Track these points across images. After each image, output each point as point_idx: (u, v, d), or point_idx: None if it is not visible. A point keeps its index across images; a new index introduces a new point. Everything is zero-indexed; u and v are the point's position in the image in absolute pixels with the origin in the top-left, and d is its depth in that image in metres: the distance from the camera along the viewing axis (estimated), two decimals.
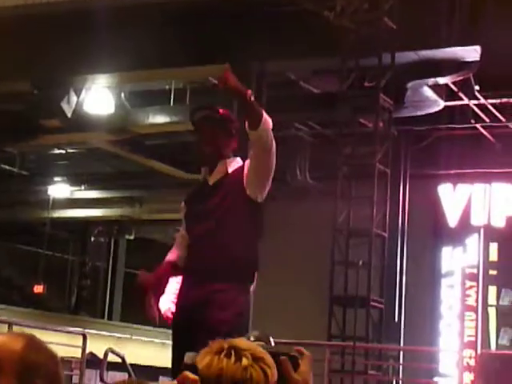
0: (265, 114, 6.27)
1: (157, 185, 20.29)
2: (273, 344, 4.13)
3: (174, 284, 7.85)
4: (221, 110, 6.78)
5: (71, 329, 17.43)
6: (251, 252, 6.73)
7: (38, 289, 23.61)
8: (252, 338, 3.64)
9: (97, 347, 14.82)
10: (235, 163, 6.73)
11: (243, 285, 6.69)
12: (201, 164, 6.81)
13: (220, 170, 6.68)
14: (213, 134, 6.62)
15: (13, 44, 15.11)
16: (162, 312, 7.77)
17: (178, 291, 7.30)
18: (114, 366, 12.95)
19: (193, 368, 3.11)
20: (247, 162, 6.52)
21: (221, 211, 6.63)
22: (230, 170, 6.68)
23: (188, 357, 3.81)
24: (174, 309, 7.66)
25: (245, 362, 2.99)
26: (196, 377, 2.85)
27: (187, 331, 6.54)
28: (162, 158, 18.74)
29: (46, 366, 3.08)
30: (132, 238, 25.35)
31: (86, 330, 15.71)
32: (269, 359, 3.11)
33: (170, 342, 7.34)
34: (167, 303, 7.84)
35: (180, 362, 3.78)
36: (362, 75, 13.61)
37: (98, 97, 16.36)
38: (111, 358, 12.76)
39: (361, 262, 13.68)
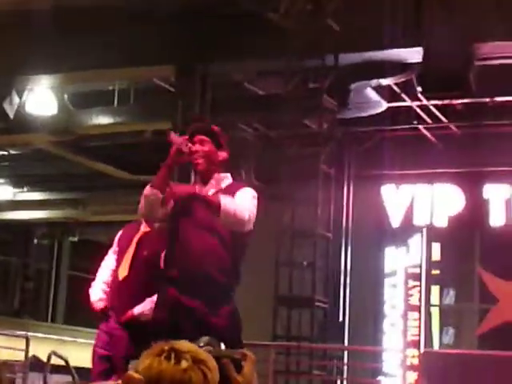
0: (223, 201, 6.54)
1: (101, 186, 20.23)
2: (223, 347, 4.16)
3: (106, 271, 8.10)
4: (214, 126, 7.10)
5: (14, 332, 17.35)
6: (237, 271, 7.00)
7: None
8: (201, 344, 3.65)
9: (40, 350, 14.53)
10: (227, 179, 7.01)
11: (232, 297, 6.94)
12: (197, 173, 7.03)
13: (213, 184, 6.90)
14: (215, 150, 6.88)
15: None
16: (92, 301, 8.02)
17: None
18: (57, 369, 12.90)
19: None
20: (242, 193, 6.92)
21: (214, 225, 6.75)
22: (223, 186, 6.92)
23: (131, 366, 3.86)
24: (104, 299, 7.94)
25: (184, 364, 3.00)
26: (140, 376, 2.84)
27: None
28: (105, 160, 18.62)
29: None
30: (76, 239, 25.27)
31: (29, 333, 15.66)
32: (210, 362, 3.12)
33: None
34: (99, 293, 8.05)
35: None
36: (307, 77, 13.65)
37: (40, 98, 16.26)
38: (55, 360, 12.72)
39: (305, 263, 13.71)
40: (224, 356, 3.42)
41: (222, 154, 6.92)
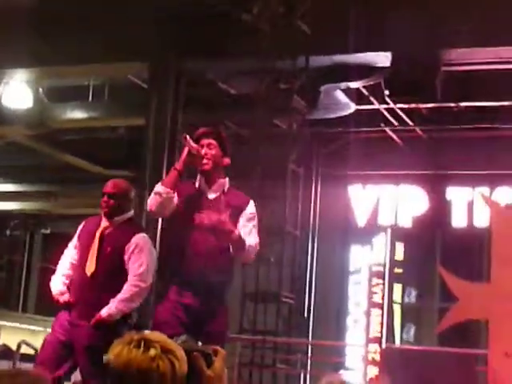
0: (248, 243, 7.03)
1: (73, 180, 20.08)
2: (200, 343, 4.30)
3: (66, 264, 8.05)
4: (222, 132, 7.36)
5: None
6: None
7: None
8: (179, 342, 3.79)
9: (11, 339, 14.69)
10: (226, 184, 7.28)
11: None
12: (202, 174, 7.15)
13: (218, 187, 7.20)
14: (221, 154, 7.15)
15: None
16: (53, 293, 7.95)
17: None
18: (27, 358, 12.53)
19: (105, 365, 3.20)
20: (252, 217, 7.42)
21: (220, 227, 6.92)
22: (225, 189, 7.22)
23: (105, 357, 3.94)
24: (65, 291, 7.89)
25: (152, 352, 3.08)
26: None
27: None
28: (79, 153, 18.61)
29: None
30: (48, 232, 25.19)
31: (0, 323, 15.62)
32: (179, 352, 3.21)
33: None
34: (59, 285, 8.00)
35: None
36: (278, 77, 13.67)
37: (16, 91, 16.18)
38: (25, 349, 12.70)
39: (272, 259, 13.77)
40: (195, 350, 3.44)
41: (226, 160, 7.19)
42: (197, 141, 7.04)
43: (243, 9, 13.34)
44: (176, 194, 7.04)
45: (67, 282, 8.02)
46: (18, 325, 17.51)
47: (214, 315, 7.03)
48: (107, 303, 7.74)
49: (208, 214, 6.90)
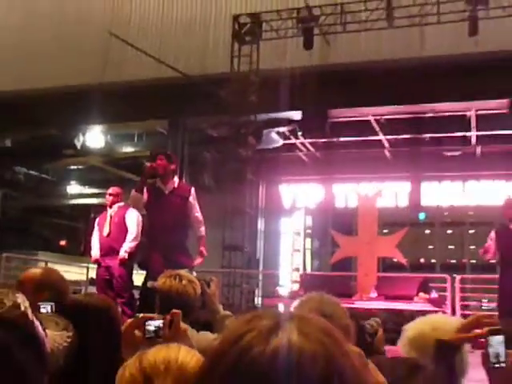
0: (201, 231, 6.96)
1: (126, 186, 19.67)
2: (194, 274, 4.43)
3: (96, 241, 8.17)
4: (168, 152, 7.31)
5: None
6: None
7: None
8: (194, 274, 3.96)
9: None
10: (176, 180, 7.08)
11: (189, 251, 6.96)
12: (159, 178, 6.92)
13: (171, 185, 6.96)
14: (168, 163, 6.94)
15: None
16: (93, 257, 8.18)
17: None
18: None
19: (154, 288, 3.37)
20: (193, 199, 6.99)
21: (177, 210, 6.87)
22: (175, 185, 6.98)
23: (150, 283, 3.99)
24: (97, 256, 8.04)
25: (184, 282, 3.26)
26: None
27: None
28: (129, 171, 17.73)
29: (54, 283, 3.35)
30: None
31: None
32: (196, 281, 3.38)
33: None
34: (96, 253, 8.12)
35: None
36: (240, 126, 13.54)
37: (94, 137, 15.96)
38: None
39: (238, 227, 13.62)
40: (201, 279, 3.59)
41: (172, 167, 6.99)
42: (155, 158, 7.00)
43: (219, 87, 13.14)
44: (145, 194, 6.87)
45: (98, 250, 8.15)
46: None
47: (177, 260, 6.65)
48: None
49: (166, 203, 6.84)
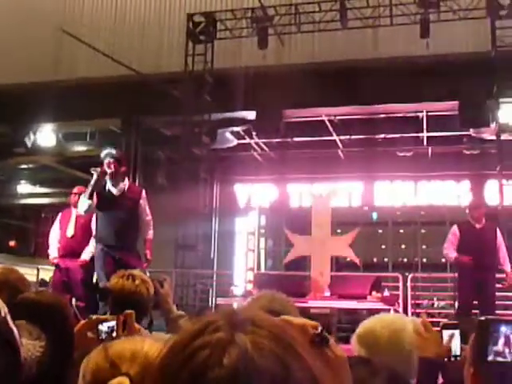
0: (150, 233, 7.02)
1: (77, 185, 19.39)
2: (148, 274, 4.41)
3: (55, 239, 7.94)
4: (120, 153, 7.25)
5: None
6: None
7: None
8: (148, 274, 3.92)
9: (46, 275, 13.70)
10: (127, 182, 7.08)
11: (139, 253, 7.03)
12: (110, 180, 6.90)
13: (121, 187, 6.96)
14: (118, 166, 6.92)
15: None
16: (50, 258, 7.94)
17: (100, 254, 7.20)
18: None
19: (106, 288, 3.39)
20: (144, 201, 7.01)
21: (127, 210, 6.89)
22: (126, 188, 6.97)
23: (102, 283, 3.92)
24: (57, 257, 7.83)
25: (137, 282, 3.26)
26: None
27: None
28: (81, 170, 17.40)
29: (13, 282, 3.29)
30: None
31: (39, 266, 15.08)
32: (149, 281, 3.37)
33: None
34: (54, 252, 7.91)
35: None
36: (194, 126, 13.49)
37: (45, 135, 15.57)
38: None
39: (192, 226, 13.61)
40: (154, 279, 3.57)
41: (123, 169, 7.01)
42: (105, 160, 6.91)
43: (173, 86, 13.13)
44: (95, 198, 6.84)
45: (57, 249, 7.91)
46: (49, 267, 16.87)
47: (128, 262, 6.65)
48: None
49: (116, 206, 6.85)
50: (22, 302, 2.41)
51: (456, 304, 8.89)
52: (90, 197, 6.83)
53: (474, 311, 8.07)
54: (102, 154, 6.99)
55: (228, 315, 0.86)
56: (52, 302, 2.38)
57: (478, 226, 8.27)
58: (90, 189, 6.87)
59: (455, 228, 8.45)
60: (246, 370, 0.78)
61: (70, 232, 7.86)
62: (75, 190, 8.16)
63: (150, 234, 7.11)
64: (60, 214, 8.19)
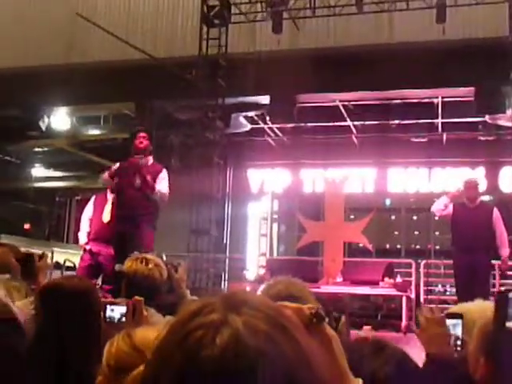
0: (158, 188, 7.12)
1: (92, 168, 18.69)
2: (164, 258, 4.41)
3: (87, 223, 7.92)
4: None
5: None
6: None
7: None
8: (164, 258, 3.94)
9: (60, 258, 13.65)
10: (150, 160, 7.33)
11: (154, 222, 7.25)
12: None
13: (146, 162, 7.25)
14: (148, 143, 7.30)
15: None
16: (80, 243, 7.93)
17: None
18: (69, 269, 11.99)
19: (122, 272, 3.34)
20: (163, 176, 7.26)
21: (146, 183, 7.07)
22: (149, 163, 7.26)
23: (117, 266, 3.93)
24: (87, 242, 7.77)
25: (150, 265, 3.26)
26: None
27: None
28: (96, 153, 17.59)
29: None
30: (79, 198, 23.99)
31: (54, 248, 15.13)
32: (163, 265, 3.37)
33: None
34: (84, 238, 7.89)
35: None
36: (208, 110, 13.40)
37: (60, 119, 15.61)
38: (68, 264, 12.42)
39: (205, 211, 13.45)
40: (168, 263, 3.62)
41: (150, 148, 7.36)
42: (136, 135, 7.32)
43: (187, 72, 13.05)
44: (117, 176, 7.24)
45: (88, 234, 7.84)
46: (63, 250, 17.00)
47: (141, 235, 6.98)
48: None
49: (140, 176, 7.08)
50: (48, 286, 2.43)
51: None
52: (112, 175, 7.29)
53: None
54: (133, 130, 7.41)
55: (224, 297, 0.89)
56: (79, 289, 2.38)
57: (471, 205, 8.15)
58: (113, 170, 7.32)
59: (446, 198, 8.43)
60: (237, 348, 0.81)
61: (107, 218, 7.67)
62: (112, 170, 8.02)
63: (163, 196, 7.26)
64: (93, 198, 8.05)
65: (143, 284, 3.11)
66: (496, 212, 8.23)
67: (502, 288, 9.02)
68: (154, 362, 0.86)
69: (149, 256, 3.40)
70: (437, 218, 8.64)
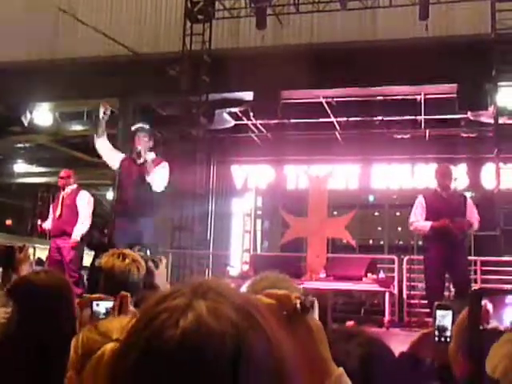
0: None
1: (74, 164, 18.99)
2: (148, 253, 4.39)
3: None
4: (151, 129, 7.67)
5: None
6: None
7: None
8: (136, 250, 3.92)
9: (42, 254, 14.00)
10: (153, 155, 7.59)
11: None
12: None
13: (148, 158, 7.44)
14: (148, 140, 7.58)
15: None
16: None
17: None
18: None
19: (98, 267, 3.35)
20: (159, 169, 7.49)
21: (143, 178, 7.31)
22: (148, 159, 7.43)
23: (97, 261, 3.94)
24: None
25: (127, 261, 3.22)
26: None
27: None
28: (78, 149, 17.82)
29: None
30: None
31: (36, 244, 15.10)
32: (141, 260, 3.32)
33: None
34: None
35: None
36: (191, 106, 13.43)
37: (42, 115, 15.39)
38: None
39: (189, 207, 13.57)
40: (149, 259, 3.60)
41: (151, 143, 7.57)
42: (135, 134, 7.38)
43: (170, 67, 13.04)
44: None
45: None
46: (45, 246, 16.91)
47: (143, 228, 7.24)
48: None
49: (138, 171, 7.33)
50: (21, 282, 2.41)
51: (424, 285, 8.29)
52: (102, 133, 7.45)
53: (444, 292, 7.68)
54: (133, 128, 7.44)
55: (193, 285, 0.91)
56: (50, 283, 2.37)
57: (444, 194, 7.73)
58: (100, 125, 7.50)
59: (421, 198, 7.91)
60: (199, 331, 0.83)
61: (57, 212, 8.33)
62: (61, 173, 8.60)
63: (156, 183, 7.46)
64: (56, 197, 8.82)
65: (120, 279, 3.10)
66: (469, 200, 7.88)
67: (482, 285, 9.01)
68: (123, 342, 0.89)
69: (126, 251, 3.36)
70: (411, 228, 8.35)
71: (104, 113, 7.39)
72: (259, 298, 1.17)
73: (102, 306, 2.32)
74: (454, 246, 7.49)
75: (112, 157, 7.59)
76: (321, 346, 1.19)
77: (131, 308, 2.38)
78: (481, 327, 1.66)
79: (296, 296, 1.21)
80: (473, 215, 7.72)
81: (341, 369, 1.21)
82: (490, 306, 1.76)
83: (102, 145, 7.46)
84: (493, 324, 1.73)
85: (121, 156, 7.69)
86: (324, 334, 1.20)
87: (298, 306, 1.19)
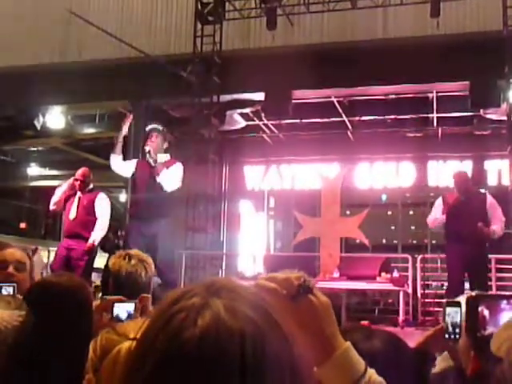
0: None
1: (87, 167, 19.44)
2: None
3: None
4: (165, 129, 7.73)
5: None
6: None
7: None
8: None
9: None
10: (168, 156, 7.67)
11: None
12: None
13: (159, 159, 7.49)
14: (161, 140, 7.69)
15: None
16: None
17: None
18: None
19: (109, 270, 3.28)
20: (171, 169, 7.52)
21: (155, 180, 7.40)
22: (167, 159, 7.59)
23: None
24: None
25: (133, 262, 3.17)
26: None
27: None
28: (90, 152, 17.79)
29: None
30: None
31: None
32: (149, 260, 3.28)
33: None
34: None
35: None
36: (202, 107, 13.41)
37: (55, 118, 15.41)
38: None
39: (201, 208, 13.64)
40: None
41: (165, 144, 7.72)
42: (149, 134, 7.55)
43: (181, 69, 13.07)
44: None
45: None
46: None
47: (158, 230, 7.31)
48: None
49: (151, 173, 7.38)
50: (39, 284, 2.42)
51: (446, 285, 8.59)
52: (118, 151, 7.50)
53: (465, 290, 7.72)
54: (147, 129, 7.51)
55: (206, 284, 0.92)
56: (70, 286, 2.38)
57: (463, 198, 7.99)
58: (118, 141, 7.52)
59: (440, 200, 8.23)
60: (218, 329, 0.84)
61: (73, 214, 8.03)
62: (78, 175, 8.32)
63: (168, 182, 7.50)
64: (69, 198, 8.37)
65: (127, 281, 3.09)
66: (490, 198, 8.05)
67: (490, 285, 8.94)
68: (139, 345, 0.89)
69: (132, 252, 3.35)
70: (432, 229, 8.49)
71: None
72: (262, 283, 1.20)
73: (123, 309, 2.32)
74: (474, 247, 7.66)
75: (125, 170, 7.66)
76: (324, 323, 1.20)
77: (151, 309, 2.39)
78: (478, 334, 1.65)
79: (296, 277, 1.24)
80: (496, 216, 7.90)
81: (348, 342, 1.22)
82: (486, 312, 1.80)
83: (116, 162, 7.57)
84: (489, 330, 1.73)
85: (133, 163, 7.72)
86: (331, 311, 1.23)
87: (300, 287, 1.23)
